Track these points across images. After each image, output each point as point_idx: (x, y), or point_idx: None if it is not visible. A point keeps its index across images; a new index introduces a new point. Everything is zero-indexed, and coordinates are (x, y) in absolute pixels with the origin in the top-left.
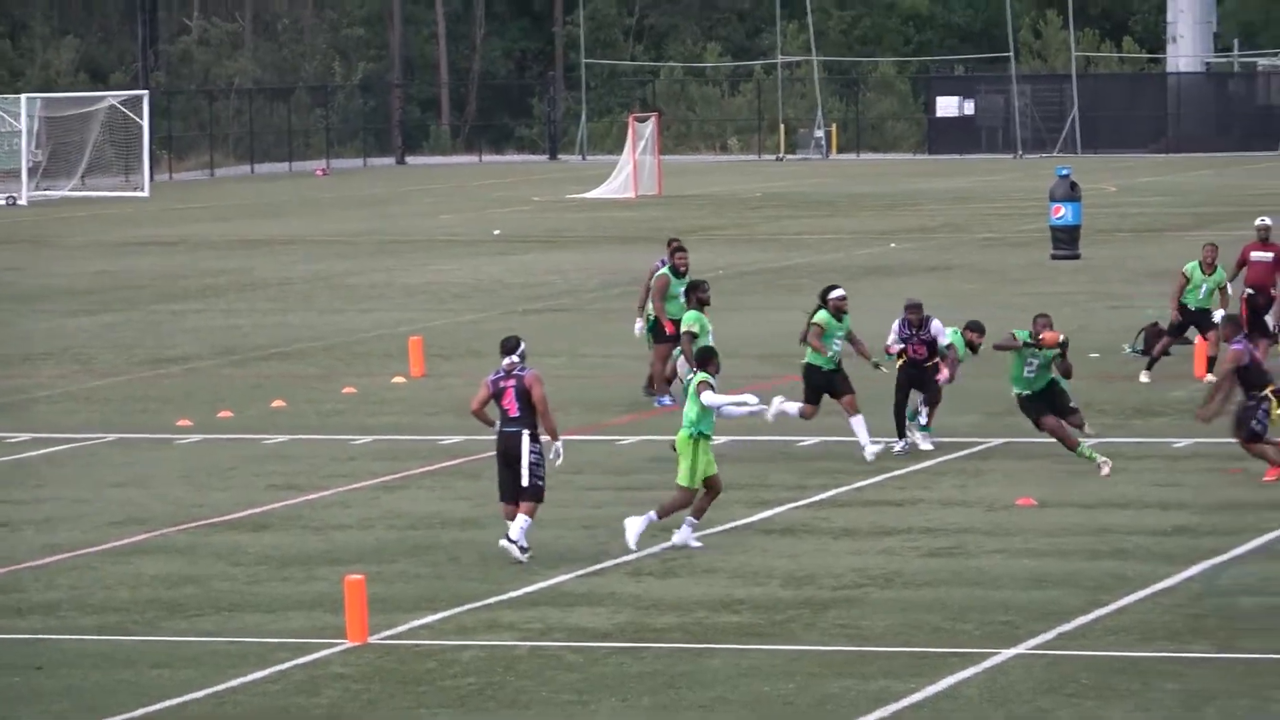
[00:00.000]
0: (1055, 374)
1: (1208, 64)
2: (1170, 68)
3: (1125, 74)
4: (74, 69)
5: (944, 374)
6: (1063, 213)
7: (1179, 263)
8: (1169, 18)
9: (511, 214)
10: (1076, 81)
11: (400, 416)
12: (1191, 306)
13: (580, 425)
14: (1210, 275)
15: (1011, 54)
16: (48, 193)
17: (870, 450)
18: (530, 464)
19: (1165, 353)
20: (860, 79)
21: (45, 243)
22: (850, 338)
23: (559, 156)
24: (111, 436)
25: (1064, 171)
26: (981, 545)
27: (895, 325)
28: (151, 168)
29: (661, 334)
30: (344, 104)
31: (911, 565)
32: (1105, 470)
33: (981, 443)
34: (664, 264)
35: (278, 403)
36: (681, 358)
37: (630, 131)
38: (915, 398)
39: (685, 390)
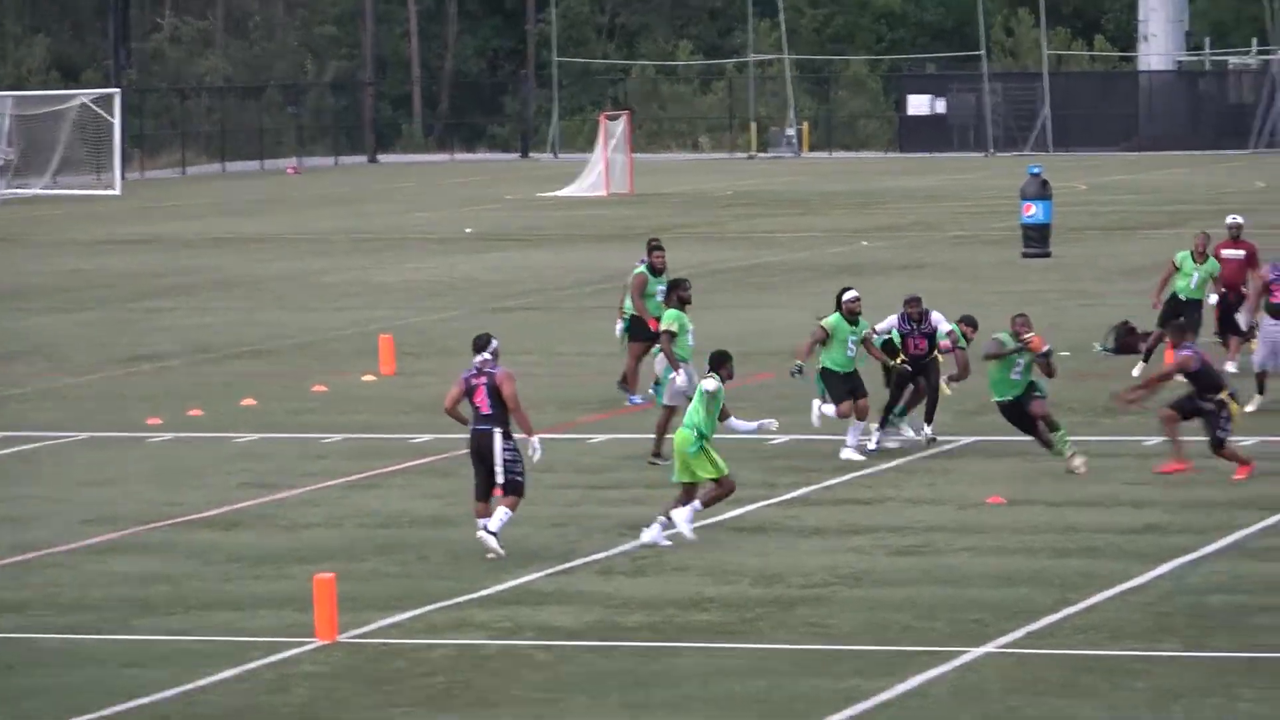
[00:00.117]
0: (1036, 376)
1: (1179, 62)
2: (1142, 66)
3: (1097, 72)
4: (45, 67)
5: (953, 375)
6: (1034, 211)
7: (1150, 260)
8: (1140, 16)
9: (483, 212)
10: (1048, 80)
11: (371, 415)
12: (1183, 297)
13: (552, 423)
14: (1202, 264)
15: (983, 52)
16: (19, 191)
17: (846, 453)
18: (505, 460)
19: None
20: (832, 77)
21: (17, 241)
22: (865, 344)
23: (531, 155)
24: (83, 435)
25: (1035, 170)
26: (951, 543)
27: (893, 319)
28: (123, 166)
29: (637, 332)
30: (316, 102)
31: (881, 564)
32: (1079, 468)
33: (951, 441)
34: (643, 263)
35: (248, 401)
36: (660, 356)
37: (602, 130)
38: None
39: (658, 385)
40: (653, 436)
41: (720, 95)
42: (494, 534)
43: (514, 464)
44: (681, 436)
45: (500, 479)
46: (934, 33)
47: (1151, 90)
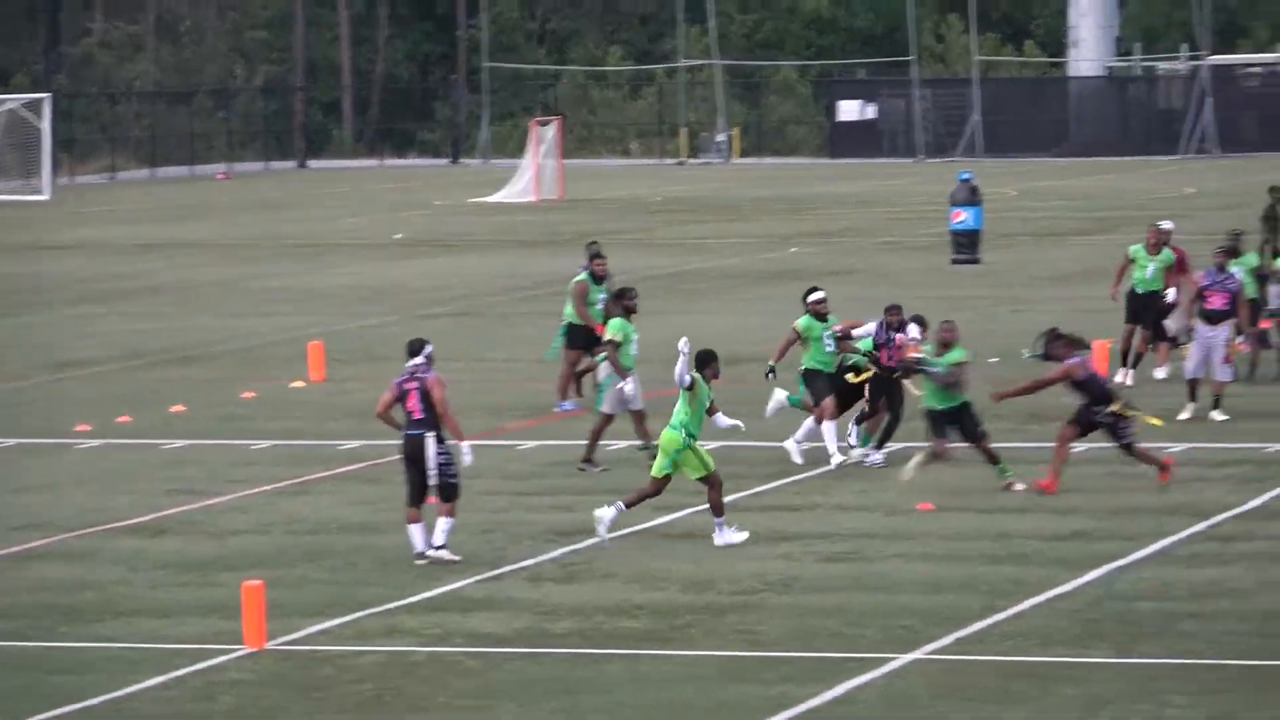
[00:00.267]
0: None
1: (1109, 68)
2: (1071, 72)
3: (1026, 78)
4: None
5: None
6: (963, 217)
7: (1080, 267)
8: (1070, 22)
9: (413, 218)
10: (978, 85)
11: (300, 421)
12: (1139, 289)
13: (481, 430)
14: (1155, 255)
15: (913, 58)
16: None
17: (837, 460)
18: (439, 465)
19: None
20: (762, 83)
21: None
22: (841, 341)
23: (461, 160)
24: (11, 441)
25: (965, 176)
26: (880, 550)
27: (871, 327)
28: (53, 171)
29: (575, 339)
30: (246, 107)
31: (810, 570)
32: (1019, 486)
33: (881, 448)
34: (585, 269)
35: (177, 407)
36: (605, 363)
37: (533, 135)
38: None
39: (599, 391)
40: (584, 443)
41: (650, 101)
42: (442, 547)
43: (448, 467)
44: (668, 436)
45: (433, 482)
46: (864, 38)
47: (1081, 96)
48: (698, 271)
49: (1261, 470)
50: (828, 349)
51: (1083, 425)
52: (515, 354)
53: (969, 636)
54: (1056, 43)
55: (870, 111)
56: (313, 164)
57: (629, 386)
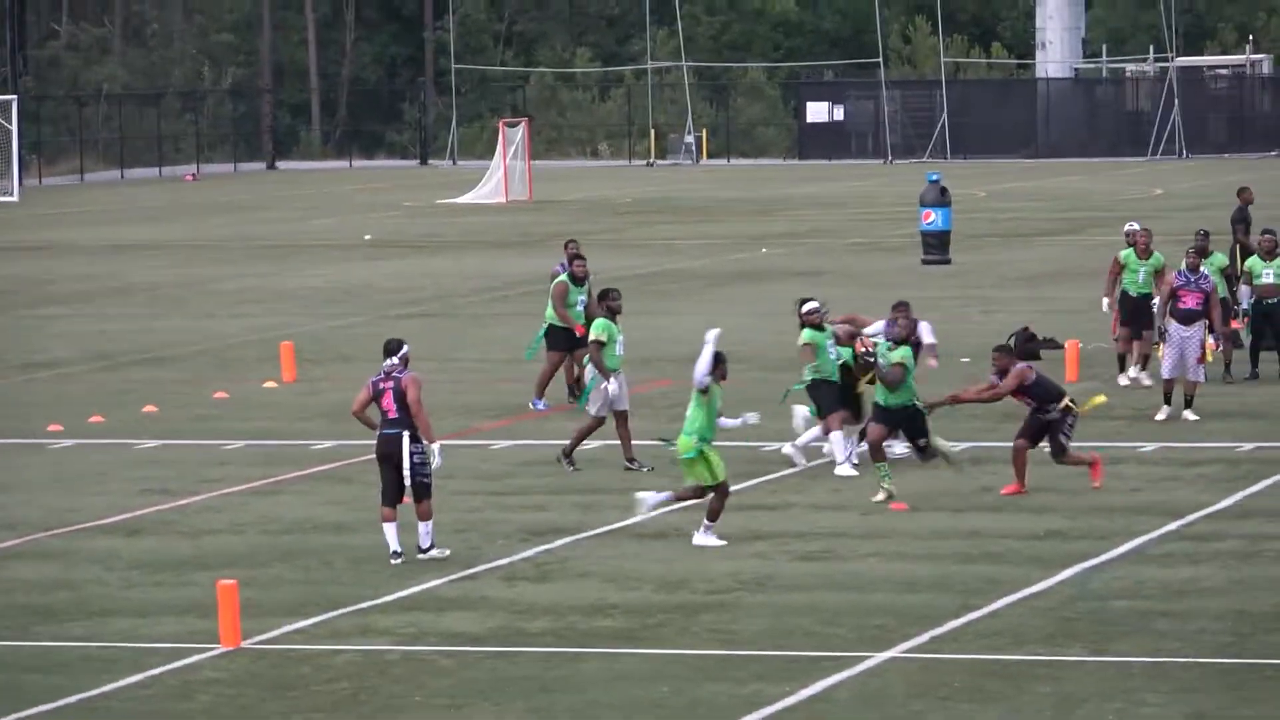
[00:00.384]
0: (918, 400)
1: (1076, 70)
2: (1039, 74)
3: (994, 80)
4: None
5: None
6: (933, 218)
7: (1049, 267)
8: (1038, 24)
9: (382, 219)
10: (946, 87)
11: (272, 421)
12: (1133, 293)
13: (452, 430)
14: (1146, 259)
15: (881, 60)
16: None
17: (847, 472)
18: (414, 464)
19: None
20: (730, 85)
21: None
22: (853, 343)
23: (430, 162)
24: None
25: (934, 177)
26: (854, 549)
27: (881, 326)
28: (21, 173)
29: (555, 341)
30: (214, 109)
31: (784, 569)
32: (880, 497)
33: (855, 448)
34: (563, 269)
35: (149, 408)
36: (590, 365)
37: (501, 137)
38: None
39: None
40: (560, 442)
41: (619, 102)
42: (430, 547)
43: (422, 467)
44: (682, 443)
45: (407, 482)
46: (832, 40)
47: (1049, 97)
48: (667, 273)
49: (1233, 469)
50: (832, 355)
51: (1035, 431)
52: (486, 354)
53: (943, 635)
54: (1024, 44)
55: (838, 113)
56: (281, 165)
57: (612, 386)
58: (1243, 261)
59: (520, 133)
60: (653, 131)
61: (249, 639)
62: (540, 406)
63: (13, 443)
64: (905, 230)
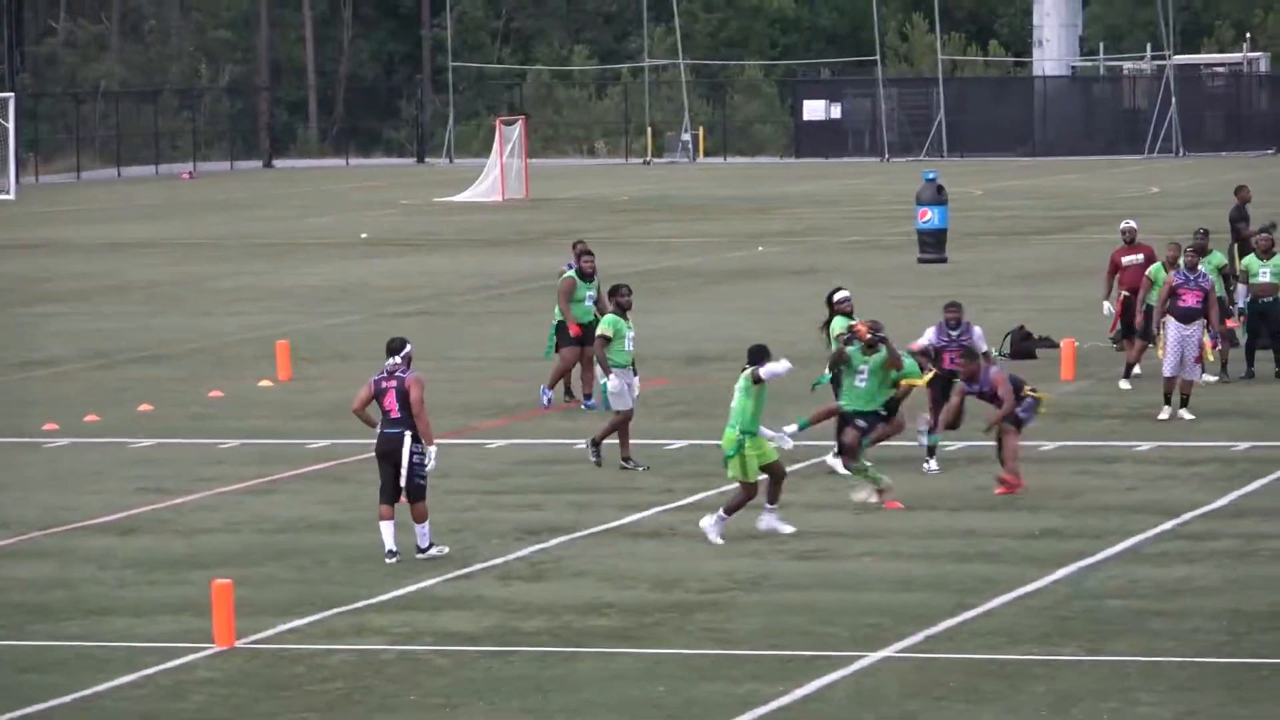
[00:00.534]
0: (893, 391)
1: (1073, 68)
2: (1036, 71)
3: (991, 77)
4: None
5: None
6: (929, 216)
7: (1046, 266)
8: (1035, 21)
9: (379, 217)
10: (943, 85)
11: (267, 420)
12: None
13: (449, 429)
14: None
15: (878, 57)
16: None
17: (864, 496)
18: (412, 464)
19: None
20: (727, 82)
21: None
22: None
23: (426, 160)
24: None
25: (930, 175)
26: (849, 548)
27: (931, 331)
28: (18, 171)
29: (565, 338)
30: (211, 106)
31: (779, 568)
32: (861, 496)
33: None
34: (571, 267)
35: (145, 406)
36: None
37: (498, 135)
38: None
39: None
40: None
41: (616, 100)
42: (431, 545)
43: (420, 468)
44: (726, 437)
45: (404, 482)
46: (828, 38)
47: (1046, 95)
48: (664, 270)
49: (1229, 469)
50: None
51: (1018, 424)
52: (483, 353)
53: (938, 634)
54: (1021, 42)
55: (835, 111)
56: (278, 163)
57: (612, 383)
58: (1241, 260)
59: (517, 131)
60: (649, 129)
61: (243, 638)
62: (546, 398)
63: (9, 441)
64: (902, 228)
